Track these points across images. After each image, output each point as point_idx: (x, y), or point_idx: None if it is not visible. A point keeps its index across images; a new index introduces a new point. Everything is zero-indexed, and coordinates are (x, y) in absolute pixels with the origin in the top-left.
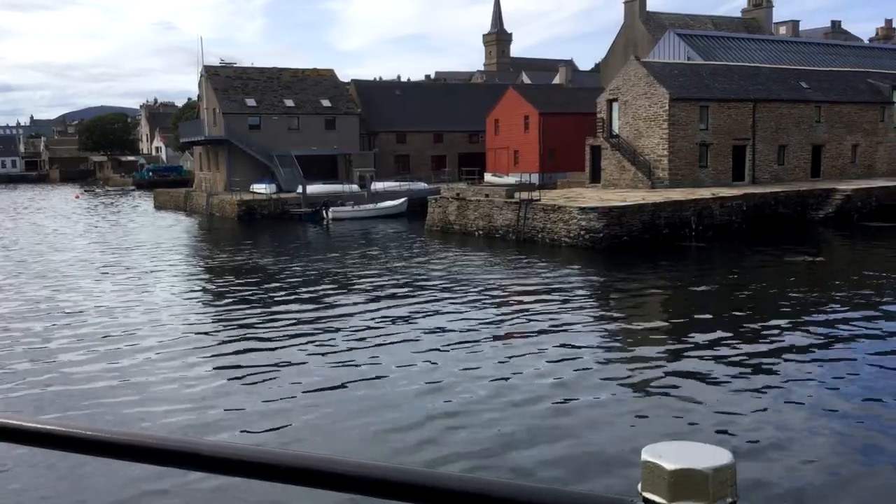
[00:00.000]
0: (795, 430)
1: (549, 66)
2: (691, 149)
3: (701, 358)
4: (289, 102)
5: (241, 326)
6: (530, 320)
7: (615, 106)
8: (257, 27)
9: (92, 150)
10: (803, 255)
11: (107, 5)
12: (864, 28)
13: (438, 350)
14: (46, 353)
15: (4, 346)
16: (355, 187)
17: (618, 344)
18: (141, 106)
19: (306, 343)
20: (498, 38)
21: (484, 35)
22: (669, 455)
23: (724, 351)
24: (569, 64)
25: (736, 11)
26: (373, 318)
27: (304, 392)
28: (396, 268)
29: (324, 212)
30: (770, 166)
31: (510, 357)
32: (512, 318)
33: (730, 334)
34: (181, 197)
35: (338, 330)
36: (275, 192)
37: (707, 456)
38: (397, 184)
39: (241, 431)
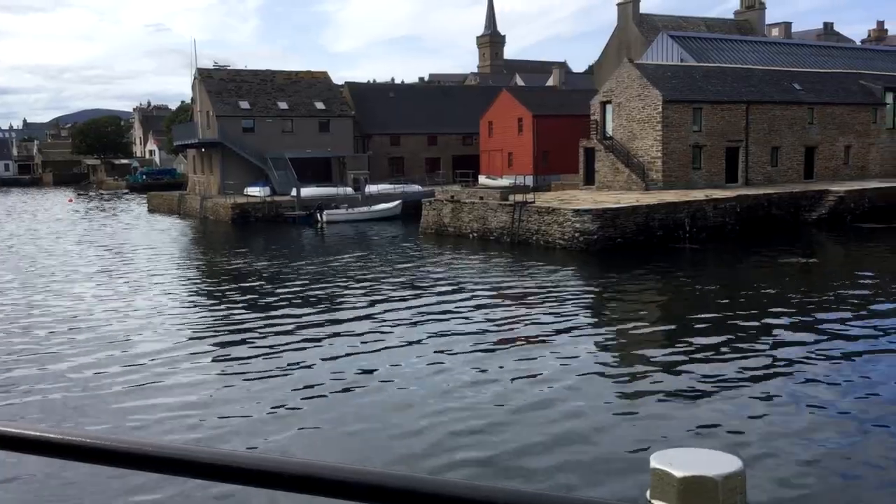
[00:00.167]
0: (796, 433)
1: (543, 68)
2: (685, 151)
3: (698, 361)
4: (283, 105)
5: (236, 331)
6: (526, 323)
7: (609, 108)
8: (250, 29)
9: (85, 153)
10: (797, 257)
11: (99, 7)
12: (856, 30)
13: (436, 354)
14: (40, 359)
15: None
16: (349, 190)
17: (614, 347)
18: (134, 109)
19: (302, 348)
20: (491, 39)
21: (477, 37)
22: (678, 462)
23: (720, 353)
24: (562, 66)
25: (729, 13)
26: (368, 323)
27: (301, 398)
28: (391, 271)
29: (318, 215)
30: (763, 168)
31: (508, 361)
32: (508, 322)
33: (725, 337)
34: (175, 200)
35: (333, 334)
36: (269, 194)
37: (716, 463)
38: (391, 186)
39: (237, 437)
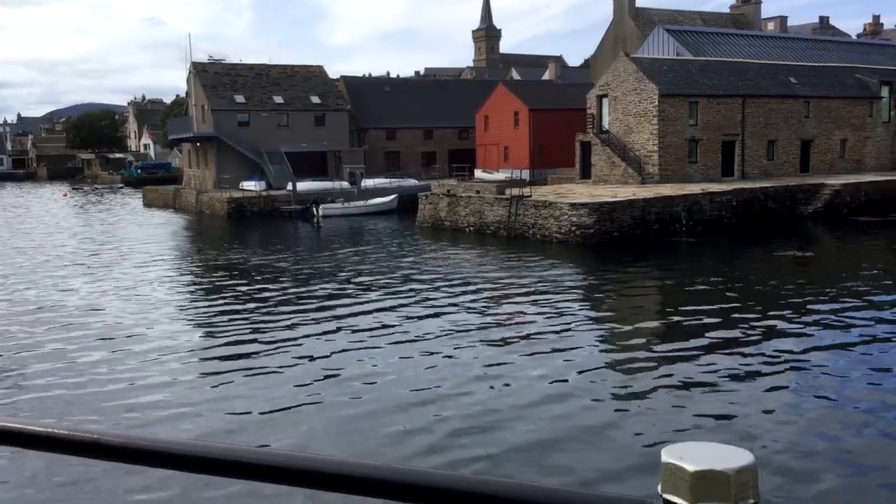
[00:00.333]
0: (799, 423)
1: (539, 62)
2: (681, 144)
3: (696, 354)
4: (278, 99)
5: (232, 327)
6: (524, 318)
7: (605, 102)
8: (246, 22)
9: (80, 147)
10: (793, 250)
11: (94, 1)
12: (851, 24)
13: (434, 348)
14: (35, 354)
15: None
16: (345, 184)
17: (612, 341)
18: (129, 103)
19: (299, 343)
20: (487, 33)
21: (473, 31)
22: (690, 456)
23: (718, 347)
24: (558, 60)
25: (724, 7)
26: (365, 318)
27: (299, 393)
28: (388, 265)
29: (314, 209)
30: (759, 161)
31: (507, 355)
32: (505, 316)
33: (723, 330)
34: (170, 194)
35: (330, 329)
36: (264, 189)
37: (728, 457)
38: (387, 180)
39: (235, 432)
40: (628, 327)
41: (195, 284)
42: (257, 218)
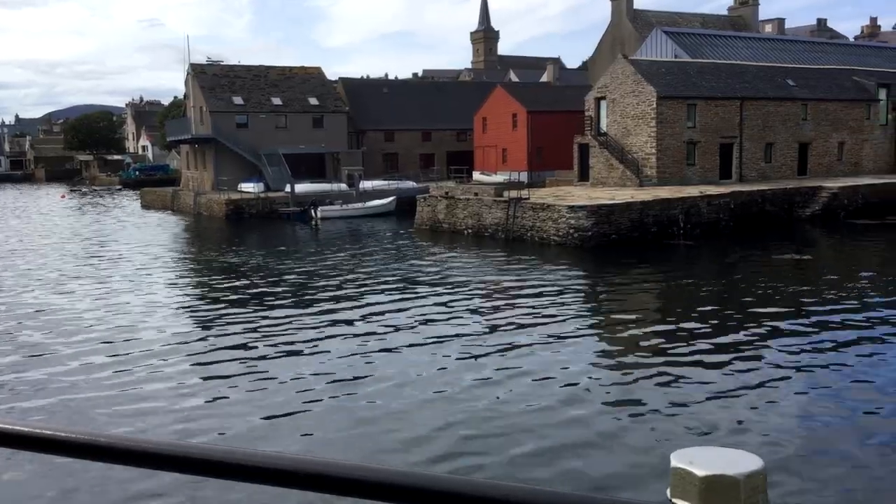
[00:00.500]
0: (800, 427)
1: (537, 64)
2: (679, 147)
3: (696, 358)
4: (276, 101)
5: (231, 329)
6: (523, 321)
7: (603, 104)
8: (244, 24)
9: (77, 148)
10: (790, 253)
11: (91, 2)
12: (849, 26)
13: (432, 352)
14: (33, 357)
15: None
16: (344, 186)
17: (612, 344)
18: (127, 104)
19: (298, 345)
20: (485, 35)
21: (471, 33)
22: (699, 461)
23: (719, 350)
24: (556, 62)
25: (723, 9)
26: (364, 321)
27: (298, 395)
28: (386, 268)
29: (312, 211)
30: (757, 164)
31: (507, 359)
32: (505, 319)
33: (722, 333)
34: (168, 196)
35: (329, 332)
36: (263, 191)
37: (738, 462)
38: (386, 182)
39: (233, 435)
40: (627, 331)
41: (194, 287)
42: (255, 220)
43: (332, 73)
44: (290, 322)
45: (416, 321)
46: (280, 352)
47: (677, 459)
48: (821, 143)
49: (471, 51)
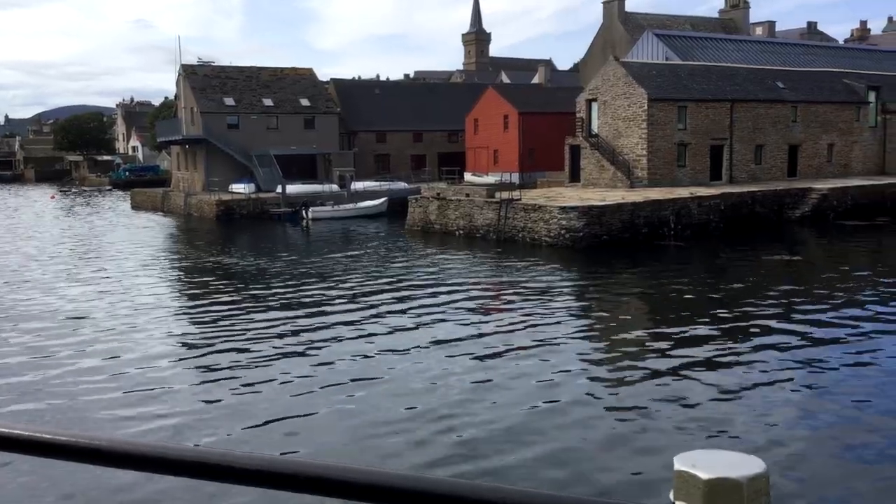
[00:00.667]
0: (790, 430)
1: (528, 65)
2: (669, 148)
3: (688, 359)
4: (267, 102)
5: (221, 330)
6: (514, 322)
7: (594, 106)
8: (235, 25)
9: (67, 149)
10: (781, 254)
11: (82, 3)
12: (839, 29)
13: (425, 355)
14: (22, 359)
15: None
16: (335, 187)
17: (604, 346)
18: (117, 105)
19: (289, 346)
20: (477, 37)
21: (463, 34)
22: (703, 464)
23: (710, 351)
24: (548, 64)
25: (713, 12)
26: (355, 323)
27: (290, 398)
28: (378, 269)
29: (303, 212)
30: (747, 166)
31: (498, 361)
32: (496, 321)
33: (714, 334)
34: (159, 197)
35: (319, 335)
36: (254, 192)
37: (741, 464)
38: (377, 183)
39: (221, 437)
40: (620, 332)
41: (184, 288)
42: (246, 221)
43: (324, 74)
44: (281, 324)
45: (408, 323)
46: (272, 354)
47: (680, 462)
48: (810, 144)
49: (462, 52)
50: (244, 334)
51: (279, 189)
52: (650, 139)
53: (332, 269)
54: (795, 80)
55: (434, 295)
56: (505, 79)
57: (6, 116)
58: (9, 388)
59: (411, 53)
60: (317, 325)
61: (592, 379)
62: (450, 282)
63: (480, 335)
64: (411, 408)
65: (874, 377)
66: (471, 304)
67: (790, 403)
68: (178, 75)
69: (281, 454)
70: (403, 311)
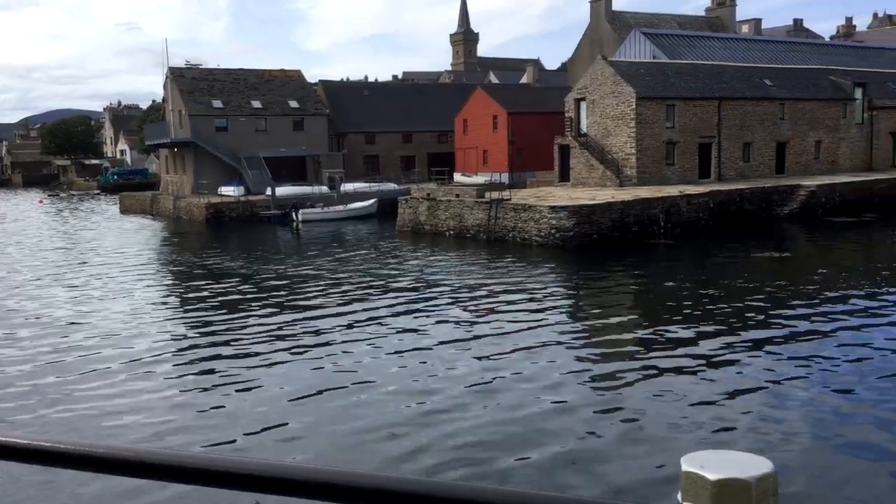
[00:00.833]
0: (788, 426)
1: (517, 65)
2: (658, 147)
3: (679, 357)
4: (256, 104)
5: (212, 333)
6: (506, 321)
7: (583, 105)
8: (222, 27)
9: (55, 153)
10: (769, 251)
11: (68, 6)
12: (825, 26)
13: (418, 358)
14: (9, 365)
15: None
16: (325, 189)
17: (595, 344)
18: (105, 108)
19: (280, 349)
20: (465, 37)
21: (451, 35)
22: (710, 464)
23: (701, 349)
24: (536, 63)
25: (700, 10)
26: (347, 325)
27: (279, 399)
28: (369, 270)
29: (293, 214)
30: (735, 163)
31: (492, 361)
32: (488, 321)
33: (704, 331)
34: (147, 200)
35: (310, 337)
36: (243, 194)
37: (749, 465)
38: (367, 185)
39: (211, 442)
40: (613, 331)
41: (174, 293)
42: (236, 223)
43: (312, 75)
44: (273, 328)
45: (400, 325)
46: (264, 358)
47: (688, 463)
48: (798, 142)
49: (450, 53)
50: (236, 339)
51: (269, 191)
52: (639, 138)
53: (323, 271)
54: (782, 77)
55: (426, 296)
56: (493, 79)
57: None
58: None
59: (399, 54)
60: (308, 328)
61: (589, 379)
62: (441, 283)
63: (474, 337)
64: (408, 411)
65: (868, 372)
66: (463, 306)
67: (787, 399)
68: (166, 78)
69: (272, 458)
70: (397, 314)
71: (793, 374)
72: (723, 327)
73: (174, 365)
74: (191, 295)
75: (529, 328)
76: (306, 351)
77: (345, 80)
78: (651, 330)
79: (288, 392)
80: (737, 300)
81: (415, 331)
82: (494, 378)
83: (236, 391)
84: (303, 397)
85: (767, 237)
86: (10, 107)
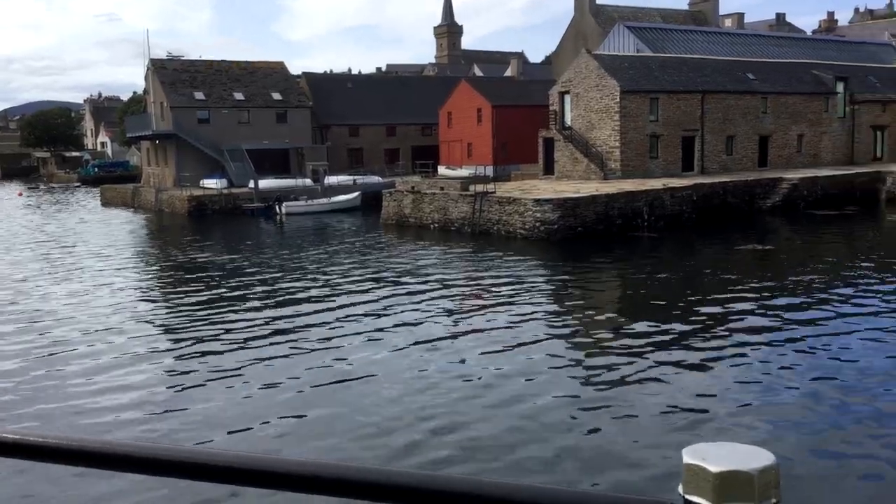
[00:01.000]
0: (769, 418)
1: (501, 58)
2: (642, 140)
3: (663, 348)
4: (238, 96)
5: (197, 330)
6: (491, 314)
7: (567, 98)
8: (204, 18)
9: (34, 145)
10: (752, 244)
11: None
12: (807, 20)
13: (401, 349)
14: None
15: None
16: (308, 181)
17: (579, 336)
18: (85, 100)
19: (264, 344)
20: (449, 30)
21: (435, 27)
22: (712, 457)
23: (684, 340)
24: (520, 56)
25: (683, 3)
26: (331, 318)
27: (264, 395)
28: (353, 264)
29: (277, 207)
30: (718, 157)
31: (475, 354)
32: (472, 313)
33: (687, 323)
34: (129, 193)
35: (294, 330)
36: (226, 187)
37: (751, 457)
38: (351, 177)
39: (196, 438)
40: (594, 322)
41: (156, 286)
42: (219, 216)
43: (295, 67)
44: (255, 322)
45: (385, 318)
46: (245, 349)
47: (689, 455)
48: (780, 135)
49: (434, 45)
50: (220, 334)
51: (252, 184)
52: (623, 131)
53: (307, 264)
54: (765, 71)
55: (411, 290)
56: (477, 72)
57: None
58: None
59: (383, 46)
60: (291, 322)
61: (578, 372)
62: (426, 276)
63: (459, 331)
64: (394, 405)
65: (855, 361)
66: (448, 299)
67: (775, 389)
68: (147, 70)
69: (261, 452)
70: (382, 308)
71: (778, 363)
72: (708, 319)
73: (155, 362)
74: (173, 289)
75: (515, 321)
76: (290, 345)
77: (328, 72)
78: (637, 322)
79: (273, 385)
80: (721, 292)
81: (400, 325)
82: (481, 371)
83: (219, 386)
84: (287, 391)
85: (750, 230)
86: None
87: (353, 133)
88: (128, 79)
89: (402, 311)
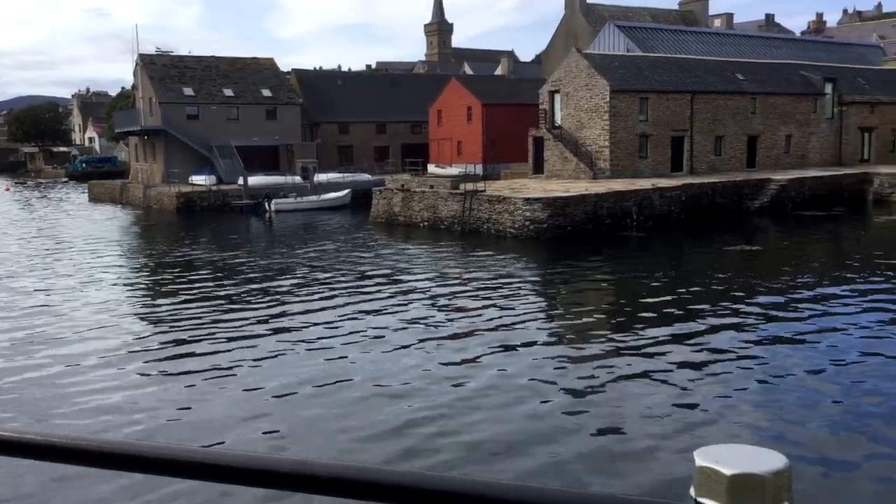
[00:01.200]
0: (761, 414)
1: (491, 56)
2: (631, 140)
3: (651, 347)
4: (228, 92)
5: (185, 329)
6: (480, 313)
7: (557, 97)
8: (193, 14)
9: (22, 140)
10: (740, 244)
11: None
12: (796, 21)
13: (390, 349)
14: None
15: None
16: (298, 179)
17: (568, 336)
18: (73, 95)
19: (251, 343)
20: (439, 28)
21: (425, 25)
22: (725, 459)
23: (673, 339)
24: (510, 55)
25: (673, 3)
26: (319, 316)
27: (251, 395)
28: (342, 262)
29: (266, 204)
30: (707, 157)
31: (464, 353)
32: (461, 312)
33: (675, 322)
34: (117, 189)
35: (282, 328)
36: (215, 183)
37: (763, 459)
38: (340, 175)
39: (186, 436)
40: (582, 322)
41: (144, 283)
42: (207, 213)
43: (285, 64)
44: (244, 320)
45: (374, 317)
46: (232, 348)
47: (702, 458)
48: (769, 136)
49: (425, 43)
50: (207, 332)
51: (241, 181)
52: (612, 130)
53: (297, 261)
54: (754, 71)
55: (401, 289)
56: (468, 70)
57: None
58: None
59: (373, 44)
60: (281, 320)
61: (568, 373)
62: (415, 275)
63: (448, 331)
64: (384, 406)
65: (846, 358)
66: (438, 298)
67: (772, 390)
68: (136, 65)
69: (251, 450)
70: (371, 307)
71: (769, 361)
72: (695, 319)
73: (144, 361)
74: (161, 287)
75: (505, 321)
76: (279, 343)
77: (318, 69)
78: (625, 321)
79: (262, 385)
80: (709, 292)
81: (389, 324)
82: (471, 372)
83: (206, 385)
84: (275, 390)
85: (738, 230)
86: None
87: (342, 130)
88: (116, 74)
89: (391, 310)
